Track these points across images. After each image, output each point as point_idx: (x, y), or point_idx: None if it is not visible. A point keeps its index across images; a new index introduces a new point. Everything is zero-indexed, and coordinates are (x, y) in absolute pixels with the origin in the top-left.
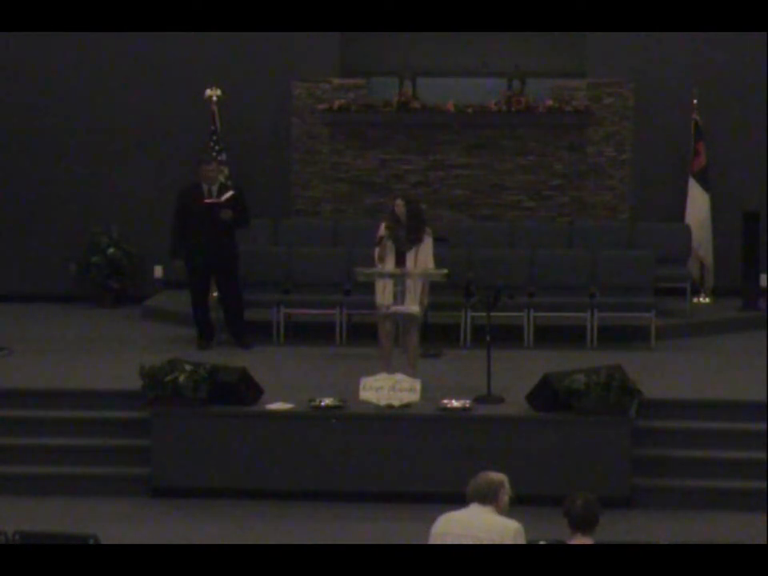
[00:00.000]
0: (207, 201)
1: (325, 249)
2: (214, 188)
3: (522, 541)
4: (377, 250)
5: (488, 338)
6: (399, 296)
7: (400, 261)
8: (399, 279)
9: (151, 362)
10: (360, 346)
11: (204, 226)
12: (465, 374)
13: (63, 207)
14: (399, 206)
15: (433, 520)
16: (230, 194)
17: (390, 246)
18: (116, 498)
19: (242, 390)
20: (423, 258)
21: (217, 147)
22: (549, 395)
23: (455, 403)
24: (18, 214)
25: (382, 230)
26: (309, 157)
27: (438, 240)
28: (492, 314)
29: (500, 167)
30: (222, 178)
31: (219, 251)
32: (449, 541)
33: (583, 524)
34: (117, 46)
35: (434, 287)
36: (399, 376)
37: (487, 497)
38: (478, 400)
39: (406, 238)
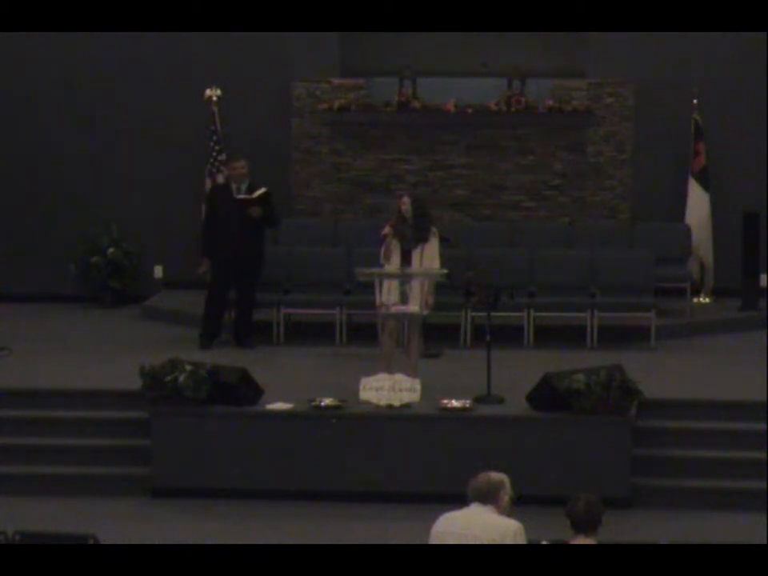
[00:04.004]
0: (239, 197)
1: (325, 249)
2: (243, 186)
3: (522, 541)
4: (383, 249)
5: (488, 338)
6: (402, 296)
7: (406, 259)
8: (403, 279)
9: (151, 362)
10: (360, 346)
11: (234, 224)
12: (465, 374)
13: (63, 207)
14: (405, 203)
15: (433, 520)
16: (261, 191)
17: (395, 244)
18: (116, 498)
19: (241, 389)
20: (429, 257)
21: (217, 147)
22: (549, 395)
23: (455, 403)
24: (18, 214)
25: (387, 228)
26: (309, 157)
27: (440, 240)
28: (492, 313)
29: (500, 167)
30: (222, 179)
31: (247, 250)
32: (449, 540)
33: (585, 525)
34: (117, 46)
35: (434, 287)
36: (399, 376)
37: (487, 497)
38: (478, 400)
39: (412, 237)
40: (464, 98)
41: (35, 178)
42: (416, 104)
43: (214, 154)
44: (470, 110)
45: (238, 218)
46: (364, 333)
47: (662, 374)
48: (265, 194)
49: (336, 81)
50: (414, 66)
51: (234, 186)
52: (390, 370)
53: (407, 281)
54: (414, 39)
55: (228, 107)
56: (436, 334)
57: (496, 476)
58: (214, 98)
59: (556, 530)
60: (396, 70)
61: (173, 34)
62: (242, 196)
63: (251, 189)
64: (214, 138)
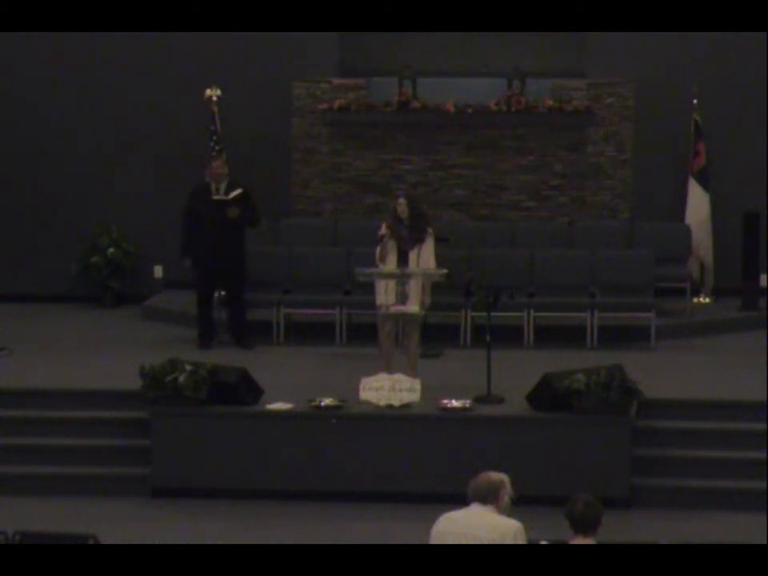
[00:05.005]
0: (215, 198)
1: (325, 249)
2: (222, 186)
3: (522, 541)
4: (378, 249)
5: (488, 338)
6: (401, 296)
7: (402, 260)
8: (402, 279)
9: (151, 362)
10: (360, 346)
11: (212, 224)
12: (465, 374)
13: (63, 207)
14: (401, 204)
15: (433, 520)
16: (237, 192)
17: (391, 245)
18: (116, 498)
19: (241, 390)
20: (425, 257)
21: (217, 147)
22: (549, 395)
23: (455, 403)
24: (18, 214)
25: (383, 228)
26: (309, 157)
27: (439, 240)
28: (492, 314)
29: (500, 167)
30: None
31: (227, 250)
32: (449, 540)
33: (584, 526)
34: (117, 46)
35: (434, 287)
36: (399, 376)
37: (488, 497)
38: (478, 400)
39: (408, 237)
40: (464, 98)
41: (35, 178)
42: (416, 104)
43: (214, 154)
44: (470, 110)
45: (217, 218)
46: (364, 333)
47: (662, 373)
48: (241, 194)
49: (336, 81)
50: (414, 66)
51: (213, 186)
52: (390, 369)
53: (405, 281)
54: (414, 39)
55: (228, 107)
56: (436, 334)
57: (496, 476)
58: (214, 98)
59: (556, 530)
60: (396, 70)
61: (173, 33)
62: (217, 197)
63: (230, 188)
64: (214, 137)
